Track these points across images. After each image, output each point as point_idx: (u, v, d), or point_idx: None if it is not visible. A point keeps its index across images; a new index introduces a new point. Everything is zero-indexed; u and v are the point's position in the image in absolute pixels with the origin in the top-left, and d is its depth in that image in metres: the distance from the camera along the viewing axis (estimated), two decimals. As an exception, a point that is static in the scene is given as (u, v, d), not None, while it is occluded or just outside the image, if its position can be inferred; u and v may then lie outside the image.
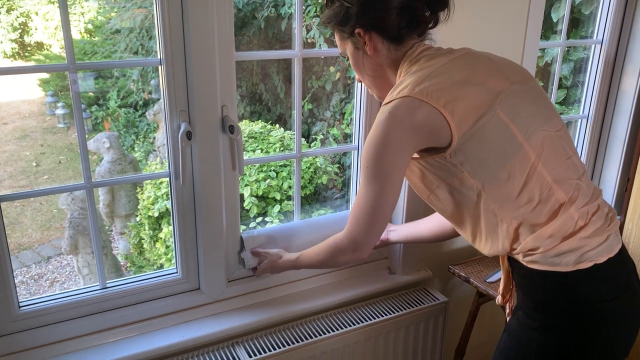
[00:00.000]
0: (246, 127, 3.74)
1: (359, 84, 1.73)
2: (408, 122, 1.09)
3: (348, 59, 1.29)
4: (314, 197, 3.79)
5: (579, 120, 2.31)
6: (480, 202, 1.14)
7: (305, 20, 3.89)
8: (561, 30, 2.14)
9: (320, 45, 3.79)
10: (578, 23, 2.99)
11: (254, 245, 1.63)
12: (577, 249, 1.10)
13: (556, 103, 3.02)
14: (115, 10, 6.13)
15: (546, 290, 1.14)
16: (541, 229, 1.12)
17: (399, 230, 1.68)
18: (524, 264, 1.16)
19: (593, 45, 2.21)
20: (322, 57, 4.34)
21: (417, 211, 1.79)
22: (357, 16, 1.19)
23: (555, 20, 2.90)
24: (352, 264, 1.69)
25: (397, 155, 1.11)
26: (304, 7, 3.78)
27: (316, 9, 3.89)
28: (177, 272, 1.61)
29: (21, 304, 1.44)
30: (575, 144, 2.35)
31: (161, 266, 3.41)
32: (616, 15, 2.13)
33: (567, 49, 2.96)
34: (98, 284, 1.54)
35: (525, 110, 1.14)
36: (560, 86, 3.14)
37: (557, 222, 1.11)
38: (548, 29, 3.05)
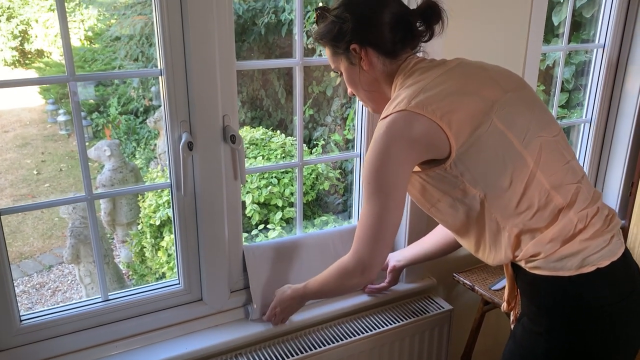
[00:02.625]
0: (247, 133, 3.73)
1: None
2: (406, 135, 1.09)
3: (341, 74, 1.29)
4: (315, 203, 3.78)
5: (582, 124, 2.30)
6: (484, 211, 1.14)
7: (305, 27, 3.89)
8: (562, 33, 2.13)
9: (320, 51, 3.78)
10: (579, 26, 2.98)
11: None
12: (578, 252, 1.10)
13: (558, 106, 3.01)
14: (115, 17, 6.14)
15: (550, 295, 1.14)
16: (541, 235, 1.12)
17: (405, 255, 1.68)
18: (527, 270, 1.16)
19: (595, 49, 2.20)
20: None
21: (419, 223, 1.78)
22: (352, 32, 1.19)
23: (556, 23, 2.89)
24: (360, 287, 1.63)
25: (397, 169, 1.11)
26: (304, 14, 3.78)
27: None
28: (179, 284, 1.59)
29: (22, 318, 1.42)
30: (579, 148, 2.33)
31: (163, 275, 3.40)
32: (618, 19, 2.12)
33: (568, 52, 2.95)
34: (100, 296, 1.52)
35: (521, 117, 1.14)
36: (562, 89, 3.12)
37: (556, 226, 1.12)
38: (549, 32, 3.04)
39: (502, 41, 1.77)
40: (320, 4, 3.87)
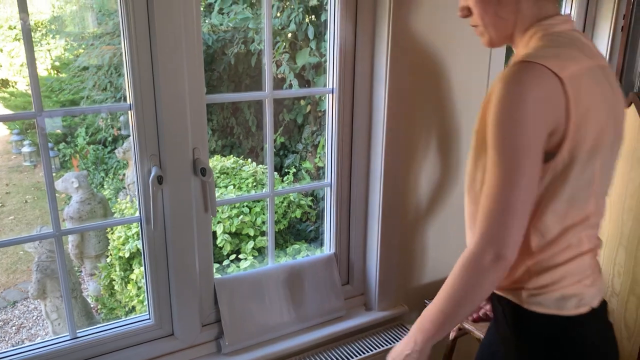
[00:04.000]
0: (218, 162, 3.73)
1: (331, 120, 1.74)
2: (551, 94, 0.96)
3: None
4: (288, 231, 3.77)
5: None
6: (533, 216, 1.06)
7: (275, 57, 3.93)
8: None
9: (290, 81, 3.83)
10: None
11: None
12: (578, 295, 1.09)
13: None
14: (83, 47, 6.10)
15: (546, 333, 1.10)
16: (556, 269, 1.07)
17: None
18: (525, 306, 1.10)
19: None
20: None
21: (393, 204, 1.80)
22: None
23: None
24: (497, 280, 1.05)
25: (537, 120, 0.96)
26: (273, 44, 3.83)
27: (285, 45, 3.94)
28: (149, 318, 1.57)
29: (-14, 360, 1.38)
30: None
31: (133, 308, 3.33)
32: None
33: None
34: (68, 334, 1.49)
35: (610, 163, 1.10)
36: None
37: (572, 265, 1.08)
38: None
39: (465, 70, 1.83)
40: (289, 35, 3.94)
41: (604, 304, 1.15)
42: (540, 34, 1.06)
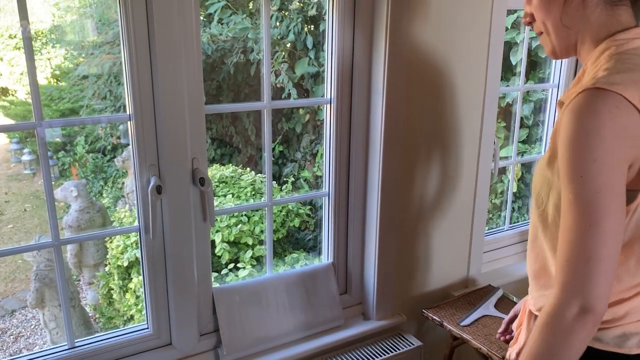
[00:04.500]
0: (217, 171, 3.73)
1: (329, 129, 1.76)
2: (630, 127, 0.87)
3: None
4: (286, 240, 3.78)
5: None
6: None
7: (274, 66, 3.96)
8: (519, 72, 2.23)
9: (289, 90, 3.85)
10: (536, 65, 3.12)
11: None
12: (638, 333, 1.02)
13: (519, 142, 3.12)
14: (83, 56, 6.13)
15: None
16: (620, 305, 1.00)
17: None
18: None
19: (550, 88, 2.31)
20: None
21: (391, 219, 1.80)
22: None
23: (514, 63, 3.02)
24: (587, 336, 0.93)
25: (615, 155, 0.86)
26: (272, 53, 3.85)
27: (284, 55, 3.96)
28: (148, 328, 1.57)
29: (-16, 369, 1.38)
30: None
31: (131, 317, 3.33)
32: (570, 61, 2.23)
33: (526, 90, 3.08)
34: (66, 343, 1.49)
35: None
36: (522, 125, 3.24)
37: (636, 301, 1.00)
38: (508, 71, 3.17)
39: (461, 82, 1.85)
40: (288, 45, 3.96)
41: None
42: (612, 50, 0.96)
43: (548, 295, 1.00)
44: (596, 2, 0.97)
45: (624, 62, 0.92)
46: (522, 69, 2.22)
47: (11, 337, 4.14)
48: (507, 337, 1.36)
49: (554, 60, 2.28)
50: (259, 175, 3.80)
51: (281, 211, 3.58)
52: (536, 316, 1.11)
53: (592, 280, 0.86)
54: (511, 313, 1.35)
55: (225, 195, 3.46)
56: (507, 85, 3.08)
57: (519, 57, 2.93)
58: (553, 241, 1.02)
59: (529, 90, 3.11)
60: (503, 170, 3.14)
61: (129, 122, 1.42)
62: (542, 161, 1.05)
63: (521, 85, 2.24)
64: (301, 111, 4.45)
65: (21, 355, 1.45)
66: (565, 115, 0.90)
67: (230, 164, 4.24)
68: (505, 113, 3.27)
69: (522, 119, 3.20)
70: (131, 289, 3.29)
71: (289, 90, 3.83)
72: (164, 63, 1.37)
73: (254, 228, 3.30)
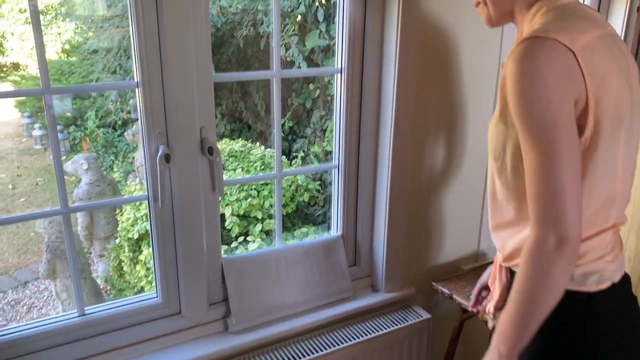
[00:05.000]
0: (226, 145, 3.73)
1: (339, 102, 1.73)
2: (567, 66, 0.93)
3: None
4: (295, 215, 3.78)
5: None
6: None
7: (284, 39, 3.91)
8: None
9: (299, 64, 3.81)
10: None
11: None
12: (599, 271, 1.07)
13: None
14: (93, 30, 6.10)
15: (568, 310, 1.05)
16: (582, 243, 1.03)
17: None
18: None
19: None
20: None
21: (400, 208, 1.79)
22: None
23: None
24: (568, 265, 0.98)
25: (558, 93, 0.92)
26: (282, 26, 3.80)
27: (294, 28, 3.91)
28: (157, 297, 1.58)
29: (-4, 334, 1.40)
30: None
31: (142, 289, 3.36)
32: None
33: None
34: (76, 310, 1.50)
35: (632, 140, 1.05)
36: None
37: (594, 241, 1.05)
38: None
39: (476, 51, 1.81)
40: (299, 18, 3.91)
41: (626, 278, 1.13)
42: (544, 8, 1.02)
43: (513, 237, 1.10)
44: None
45: (556, 15, 0.99)
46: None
47: (24, 307, 4.21)
48: (479, 307, 1.41)
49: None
50: (269, 150, 3.79)
51: (290, 186, 3.57)
52: (507, 268, 1.19)
53: (560, 210, 0.92)
54: (479, 284, 1.41)
55: (234, 170, 3.46)
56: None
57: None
58: (512, 190, 1.07)
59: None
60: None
61: (136, 90, 1.40)
62: (494, 116, 1.08)
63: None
64: (311, 86, 4.40)
65: (32, 321, 1.47)
66: (507, 66, 0.95)
67: (240, 139, 4.23)
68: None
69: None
70: (141, 261, 3.32)
71: (299, 63, 3.78)
72: (172, 31, 1.35)
73: (264, 202, 3.30)
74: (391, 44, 1.63)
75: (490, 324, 1.43)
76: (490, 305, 1.35)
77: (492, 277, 1.31)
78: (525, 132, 0.95)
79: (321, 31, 3.80)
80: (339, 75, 1.70)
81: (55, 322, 1.47)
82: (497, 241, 1.19)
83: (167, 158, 1.43)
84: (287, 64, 3.92)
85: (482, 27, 1.77)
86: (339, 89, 1.73)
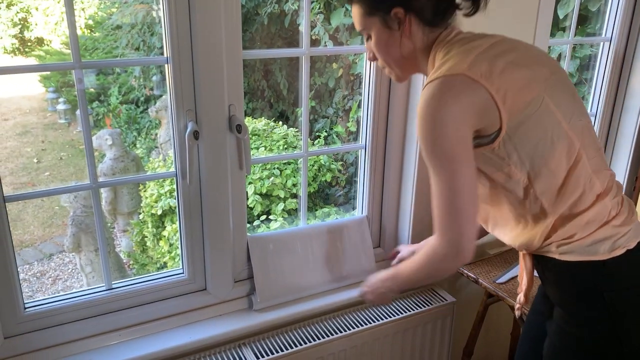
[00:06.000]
0: (249, 124, 3.72)
1: (368, 81, 1.71)
2: (464, 97, 1.04)
3: (367, 38, 1.21)
4: (317, 195, 3.77)
5: (587, 118, 2.29)
6: (528, 197, 1.13)
7: (310, 17, 3.87)
8: (567, 26, 2.12)
9: (325, 42, 3.77)
10: (585, 20, 2.96)
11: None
12: (610, 237, 1.11)
13: (562, 100, 2.99)
14: (117, 5, 6.10)
15: (585, 280, 1.13)
16: (579, 217, 1.12)
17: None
18: (557, 257, 1.14)
19: (601, 42, 2.19)
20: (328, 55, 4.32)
21: (426, 216, 1.77)
22: None
23: (561, 16, 2.87)
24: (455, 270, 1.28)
25: (457, 128, 1.04)
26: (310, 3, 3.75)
27: (320, 6, 3.86)
28: (183, 273, 1.59)
29: (27, 305, 1.42)
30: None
31: (164, 264, 3.40)
32: (625, 12, 2.10)
33: (574, 46, 2.93)
34: (104, 284, 1.52)
35: (565, 99, 1.13)
36: (566, 83, 3.10)
37: (593, 210, 1.12)
38: (554, 25, 3.01)
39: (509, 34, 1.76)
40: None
41: None
42: (438, 49, 1.15)
43: (511, 232, 1.22)
44: (419, 30, 1.15)
45: (450, 48, 1.12)
46: (573, 21, 2.10)
47: (50, 279, 4.30)
48: (390, 257, 1.70)
49: (607, 13, 2.16)
50: (292, 129, 3.77)
51: (313, 165, 3.56)
52: (529, 254, 1.26)
53: (460, 231, 1.07)
54: (411, 247, 1.63)
55: (257, 148, 3.45)
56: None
57: (568, 10, 2.78)
58: (491, 197, 1.20)
59: (576, 46, 2.96)
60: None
61: (166, 66, 1.39)
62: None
63: (571, 37, 2.13)
64: (334, 65, 4.36)
65: (62, 293, 1.49)
66: (418, 108, 1.07)
67: (262, 117, 4.22)
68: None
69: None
70: (165, 236, 3.35)
71: (325, 42, 3.74)
72: (203, 8, 1.33)
73: (286, 181, 3.30)
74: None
75: (517, 313, 1.43)
76: (521, 295, 1.40)
77: (520, 269, 1.35)
78: (429, 162, 1.07)
79: (347, 9, 3.75)
80: (368, 53, 1.67)
81: (84, 294, 1.49)
82: (502, 239, 1.28)
83: (195, 135, 1.42)
84: (313, 42, 3.88)
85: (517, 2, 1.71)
86: (367, 68, 1.70)
